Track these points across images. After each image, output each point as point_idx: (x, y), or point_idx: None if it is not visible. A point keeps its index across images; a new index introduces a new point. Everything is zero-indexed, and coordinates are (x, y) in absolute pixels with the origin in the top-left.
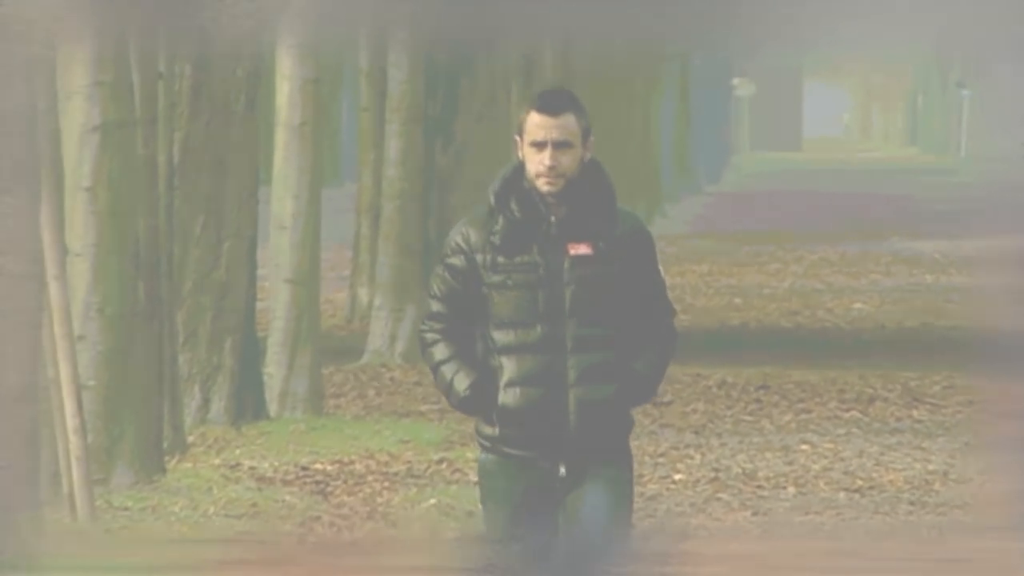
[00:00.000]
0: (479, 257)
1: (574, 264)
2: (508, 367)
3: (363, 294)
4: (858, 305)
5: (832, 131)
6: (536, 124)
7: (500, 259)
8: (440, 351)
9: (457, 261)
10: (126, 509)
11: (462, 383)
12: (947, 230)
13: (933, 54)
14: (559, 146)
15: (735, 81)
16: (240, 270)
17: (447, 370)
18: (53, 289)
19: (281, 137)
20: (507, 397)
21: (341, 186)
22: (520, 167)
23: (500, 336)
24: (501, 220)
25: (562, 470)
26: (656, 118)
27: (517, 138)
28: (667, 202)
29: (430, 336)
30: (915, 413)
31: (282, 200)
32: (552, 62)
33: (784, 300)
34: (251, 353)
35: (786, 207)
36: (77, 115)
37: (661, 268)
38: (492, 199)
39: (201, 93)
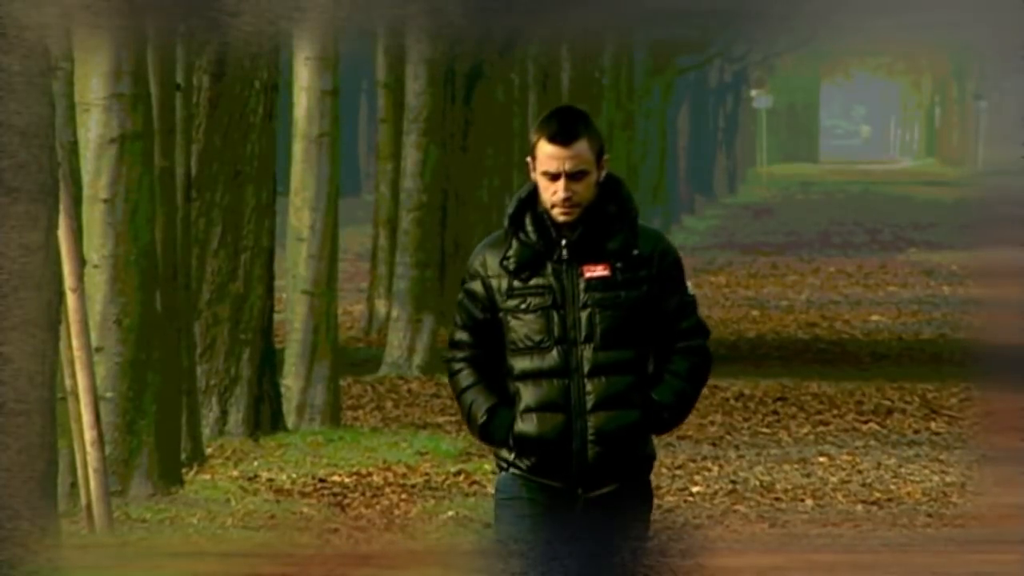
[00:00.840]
0: (495, 282)
1: (590, 286)
2: (524, 394)
3: (381, 306)
4: (875, 317)
5: (850, 143)
6: (548, 155)
7: (515, 283)
8: (462, 379)
9: (476, 287)
10: (144, 521)
11: (480, 409)
12: (964, 242)
13: (951, 66)
14: (573, 176)
15: (752, 93)
16: (257, 281)
17: (467, 398)
18: (71, 301)
19: (299, 148)
20: (523, 424)
21: (359, 198)
22: (535, 188)
23: (517, 362)
24: (515, 243)
25: (579, 499)
26: (673, 130)
27: (529, 160)
28: (684, 213)
29: (454, 365)
30: (933, 425)
31: (300, 211)
32: (569, 73)
33: (801, 312)
34: (269, 365)
35: (803, 218)
36: (95, 127)
37: (689, 285)
38: (506, 222)
39: (219, 105)
